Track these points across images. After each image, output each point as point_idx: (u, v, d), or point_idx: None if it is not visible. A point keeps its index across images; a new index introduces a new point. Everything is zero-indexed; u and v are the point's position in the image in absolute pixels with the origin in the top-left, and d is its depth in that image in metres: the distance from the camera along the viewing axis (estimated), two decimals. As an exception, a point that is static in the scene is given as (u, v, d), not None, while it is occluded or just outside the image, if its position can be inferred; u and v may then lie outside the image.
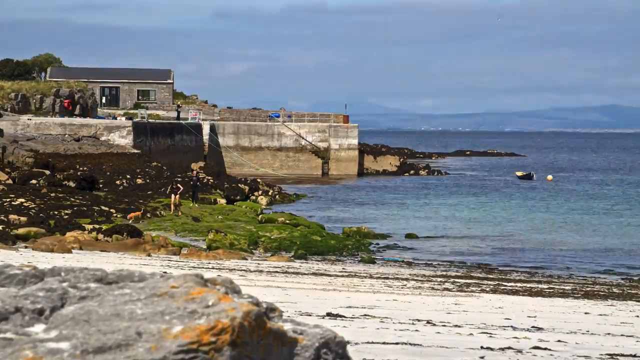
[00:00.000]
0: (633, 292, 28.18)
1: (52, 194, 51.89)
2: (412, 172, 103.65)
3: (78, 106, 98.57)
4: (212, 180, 68.75)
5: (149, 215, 48.23)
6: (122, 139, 79.48)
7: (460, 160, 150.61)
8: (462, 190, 77.42)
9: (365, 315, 17.37)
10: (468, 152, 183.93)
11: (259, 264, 32.61)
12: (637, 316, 20.42)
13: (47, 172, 61.13)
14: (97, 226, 39.83)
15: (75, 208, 47.25)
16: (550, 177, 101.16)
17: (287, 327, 3.09)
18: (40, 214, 43.03)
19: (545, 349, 13.42)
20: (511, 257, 38.69)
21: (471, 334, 15.13)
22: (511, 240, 44.34)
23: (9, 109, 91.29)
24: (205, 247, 38.75)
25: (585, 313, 20.47)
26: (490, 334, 15.20)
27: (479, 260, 37.73)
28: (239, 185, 68.22)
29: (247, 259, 34.93)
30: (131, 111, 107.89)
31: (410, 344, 13.19)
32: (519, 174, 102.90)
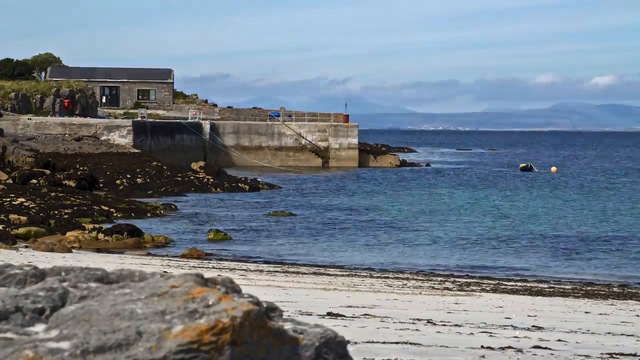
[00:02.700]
0: (633, 291, 28.18)
1: (52, 194, 51.90)
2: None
3: (78, 105, 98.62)
4: (212, 180, 68.80)
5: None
6: (122, 139, 79.48)
7: (461, 156, 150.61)
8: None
9: (365, 314, 17.37)
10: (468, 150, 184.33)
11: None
12: (638, 315, 20.43)
13: (47, 171, 61.17)
14: (97, 226, 39.83)
15: (75, 208, 47.25)
16: (554, 168, 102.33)
17: (287, 326, 3.09)
18: (41, 214, 43.03)
19: (546, 348, 13.42)
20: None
21: (471, 333, 15.14)
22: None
23: (9, 109, 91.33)
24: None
25: (586, 312, 20.47)
26: (491, 333, 15.20)
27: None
28: (239, 184, 68.24)
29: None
30: (131, 111, 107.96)
31: (410, 343, 13.20)
32: (522, 165, 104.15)
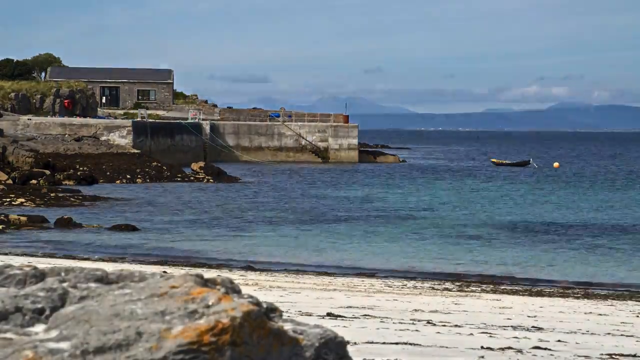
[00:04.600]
0: (633, 292, 28.15)
1: (52, 194, 51.93)
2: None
3: (78, 105, 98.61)
4: (211, 180, 68.82)
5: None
6: (122, 139, 79.48)
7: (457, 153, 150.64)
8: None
9: (365, 315, 17.38)
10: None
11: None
12: (637, 316, 20.43)
13: (47, 172, 61.18)
14: (96, 225, 39.86)
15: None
16: (557, 163, 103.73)
17: (287, 327, 3.09)
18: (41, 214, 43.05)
19: (546, 349, 13.43)
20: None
21: (471, 333, 15.14)
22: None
23: (9, 109, 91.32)
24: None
25: (586, 313, 20.47)
26: (491, 333, 15.21)
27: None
28: (238, 183, 68.30)
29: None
30: (131, 111, 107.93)
31: (410, 343, 13.20)
32: (498, 161, 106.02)
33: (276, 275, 27.76)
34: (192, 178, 69.46)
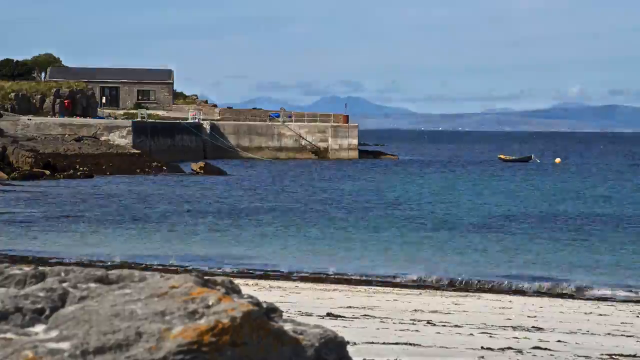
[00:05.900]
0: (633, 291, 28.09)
1: (52, 194, 51.99)
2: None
3: (78, 105, 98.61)
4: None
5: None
6: (122, 139, 79.45)
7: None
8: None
9: (365, 315, 17.38)
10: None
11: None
12: (637, 316, 20.42)
13: (47, 172, 61.23)
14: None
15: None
16: (558, 159, 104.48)
17: (287, 327, 3.09)
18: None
19: (546, 349, 13.43)
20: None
21: (471, 334, 15.14)
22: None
23: (9, 109, 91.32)
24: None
25: (586, 313, 20.46)
26: (491, 334, 15.20)
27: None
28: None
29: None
30: (131, 111, 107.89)
31: (410, 344, 13.21)
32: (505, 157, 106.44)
33: (275, 277, 27.73)
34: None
